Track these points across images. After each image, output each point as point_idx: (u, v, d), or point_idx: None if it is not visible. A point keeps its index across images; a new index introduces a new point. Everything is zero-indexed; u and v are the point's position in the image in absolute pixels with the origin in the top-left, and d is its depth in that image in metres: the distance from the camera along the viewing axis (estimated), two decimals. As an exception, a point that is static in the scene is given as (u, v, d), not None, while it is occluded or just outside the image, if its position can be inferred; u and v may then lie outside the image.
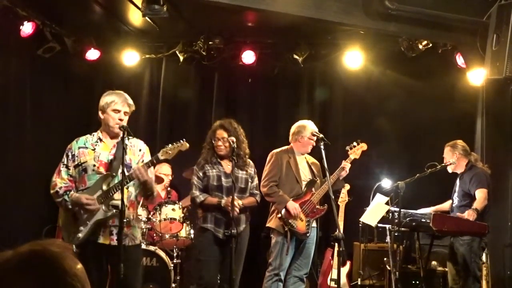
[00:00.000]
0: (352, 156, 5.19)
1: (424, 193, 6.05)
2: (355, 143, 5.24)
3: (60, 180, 3.80)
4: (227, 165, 4.66)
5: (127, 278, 3.63)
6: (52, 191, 3.82)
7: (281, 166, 5.10)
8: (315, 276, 6.20)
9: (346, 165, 5.12)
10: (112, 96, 3.82)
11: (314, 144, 5.22)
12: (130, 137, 3.87)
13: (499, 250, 5.60)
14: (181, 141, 3.83)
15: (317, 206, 5.09)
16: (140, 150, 3.93)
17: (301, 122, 5.32)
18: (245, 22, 6.24)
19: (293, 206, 4.95)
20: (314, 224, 5.16)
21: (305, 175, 5.20)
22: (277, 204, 5.01)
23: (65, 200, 3.74)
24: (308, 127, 5.21)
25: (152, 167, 3.85)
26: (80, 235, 3.70)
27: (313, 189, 5.13)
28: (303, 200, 5.07)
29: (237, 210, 4.54)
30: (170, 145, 3.81)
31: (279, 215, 4.98)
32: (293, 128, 5.30)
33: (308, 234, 5.06)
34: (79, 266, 1.08)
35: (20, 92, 6.41)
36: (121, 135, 3.73)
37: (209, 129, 4.89)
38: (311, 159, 5.34)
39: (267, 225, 5.13)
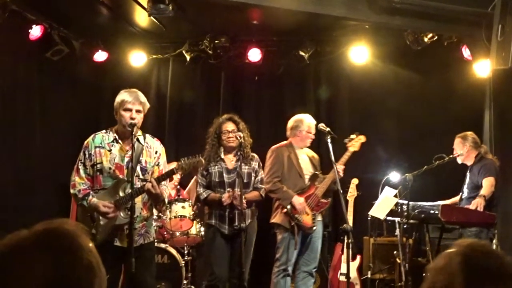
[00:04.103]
0: (351, 149, 5.10)
1: (433, 186, 6.03)
2: (353, 136, 5.15)
3: (79, 180, 3.79)
4: (230, 161, 4.65)
5: (140, 274, 3.67)
6: (71, 191, 3.82)
7: (282, 162, 5.04)
8: (325, 271, 6.22)
9: (339, 166, 4.87)
10: (123, 95, 3.80)
11: (313, 137, 5.19)
12: (146, 136, 3.88)
13: (509, 241, 5.58)
14: (198, 157, 3.79)
15: (321, 200, 5.06)
16: (156, 152, 3.91)
17: (298, 116, 5.24)
18: (250, 21, 6.26)
19: (299, 201, 4.93)
20: (319, 218, 5.14)
21: (307, 169, 5.16)
22: (282, 200, 4.96)
23: (83, 205, 3.77)
24: (305, 120, 5.15)
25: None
26: (98, 236, 3.73)
27: (316, 183, 5.10)
28: (308, 194, 5.05)
29: (244, 205, 4.56)
30: (186, 159, 3.76)
31: (285, 210, 4.94)
32: (291, 123, 5.22)
33: (314, 228, 5.05)
34: (91, 243, 1.12)
35: (28, 95, 6.47)
36: (134, 132, 3.73)
37: None
38: (311, 153, 5.29)
39: (272, 221, 5.08)
